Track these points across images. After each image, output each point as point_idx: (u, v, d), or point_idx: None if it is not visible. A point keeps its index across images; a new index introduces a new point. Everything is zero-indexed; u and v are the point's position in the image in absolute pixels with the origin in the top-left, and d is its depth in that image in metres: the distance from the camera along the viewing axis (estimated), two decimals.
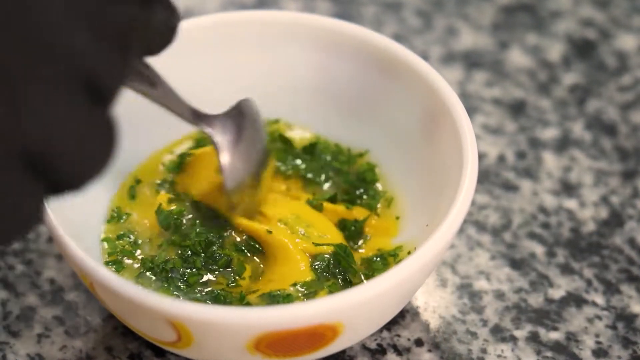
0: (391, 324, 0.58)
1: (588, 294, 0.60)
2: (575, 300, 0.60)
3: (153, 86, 0.51)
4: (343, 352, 0.56)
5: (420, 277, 0.51)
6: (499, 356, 0.57)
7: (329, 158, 0.61)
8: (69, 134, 0.38)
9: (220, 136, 0.54)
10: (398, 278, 0.48)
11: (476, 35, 0.75)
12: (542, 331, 0.58)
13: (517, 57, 0.74)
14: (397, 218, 0.59)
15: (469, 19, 0.77)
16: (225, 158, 0.54)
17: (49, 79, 0.37)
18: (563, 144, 0.68)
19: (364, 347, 0.57)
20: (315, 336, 0.49)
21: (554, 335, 0.58)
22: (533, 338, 0.58)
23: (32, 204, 0.38)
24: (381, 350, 0.57)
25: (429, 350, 0.57)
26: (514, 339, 0.58)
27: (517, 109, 0.70)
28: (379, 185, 0.60)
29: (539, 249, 0.62)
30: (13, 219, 0.38)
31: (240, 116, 0.55)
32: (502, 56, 0.74)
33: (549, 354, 0.57)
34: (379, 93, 0.60)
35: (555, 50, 0.75)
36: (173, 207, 0.56)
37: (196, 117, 0.54)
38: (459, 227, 0.51)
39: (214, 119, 0.54)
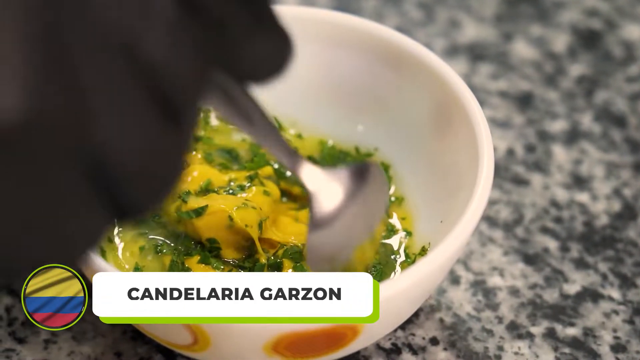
0: (405, 323, 0.58)
1: (604, 288, 0.60)
2: (591, 295, 0.60)
3: (250, 123, 0.44)
4: (357, 352, 0.57)
5: (440, 273, 0.51)
6: (516, 353, 0.57)
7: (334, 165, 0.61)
8: (141, 147, 0.34)
9: (319, 196, 0.48)
10: (419, 275, 0.48)
11: (479, 27, 0.76)
12: (558, 327, 0.58)
13: (522, 49, 0.74)
14: (404, 219, 0.59)
15: (471, 11, 0.77)
16: (312, 237, 0.49)
17: (121, 83, 0.33)
18: (572, 137, 0.68)
19: (378, 347, 0.57)
20: (335, 336, 0.49)
21: (571, 331, 0.58)
22: (550, 334, 0.58)
23: (94, 227, 0.35)
24: (396, 350, 0.57)
25: (445, 349, 0.57)
26: (530, 335, 0.58)
27: (524, 101, 0.71)
28: (392, 188, 0.60)
29: (552, 244, 0.62)
30: (73, 241, 0.34)
31: (354, 178, 0.49)
32: (506, 48, 0.74)
33: (566, 350, 0.57)
34: (387, 87, 0.60)
35: (560, 41, 0.75)
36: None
37: (296, 165, 0.48)
38: (478, 221, 0.51)
39: (319, 173, 0.49)
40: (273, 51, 0.40)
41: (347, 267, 0.50)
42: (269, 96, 0.62)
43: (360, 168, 0.49)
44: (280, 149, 0.47)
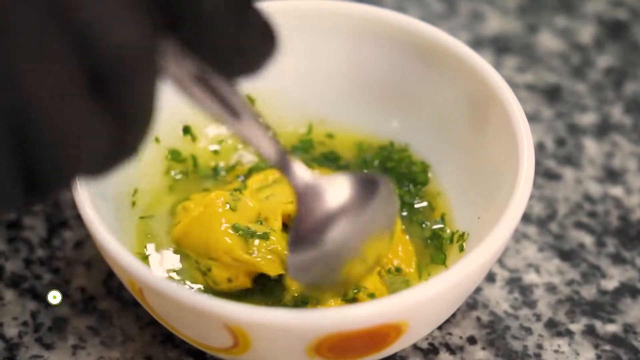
0: (442, 323, 0.58)
1: None
2: (629, 290, 0.60)
3: (237, 118, 0.42)
4: (394, 353, 0.56)
5: (481, 273, 0.51)
6: (556, 351, 0.57)
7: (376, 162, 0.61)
8: (59, 117, 0.33)
9: (306, 198, 0.46)
10: (461, 275, 0.48)
11: (503, 19, 0.75)
12: (598, 324, 0.58)
13: (547, 41, 0.74)
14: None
15: (494, 3, 0.77)
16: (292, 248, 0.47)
17: (48, 46, 0.32)
18: (603, 129, 0.68)
19: (415, 347, 0.57)
20: (379, 336, 0.48)
21: (611, 328, 0.58)
22: (589, 331, 0.58)
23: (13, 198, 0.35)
24: (433, 350, 0.57)
25: (483, 348, 0.57)
26: (570, 333, 0.58)
27: (552, 94, 0.70)
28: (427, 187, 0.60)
29: (587, 239, 0.62)
30: None
31: (354, 188, 0.47)
32: (531, 40, 0.74)
33: (607, 347, 0.57)
34: (420, 82, 0.60)
35: (586, 32, 0.75)
36: None
37: (285, 164, 0.46)
38: (518, 221, 0.51)
39: (310, 175, 0.47)
40: (253, 43, 0.39)
41: (333, 282, 0.49)
42: (300, 93, 0.62)
43: (365, 179, 0.47)
44: (268, 146, 0.44)
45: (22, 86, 0.33)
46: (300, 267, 0.47)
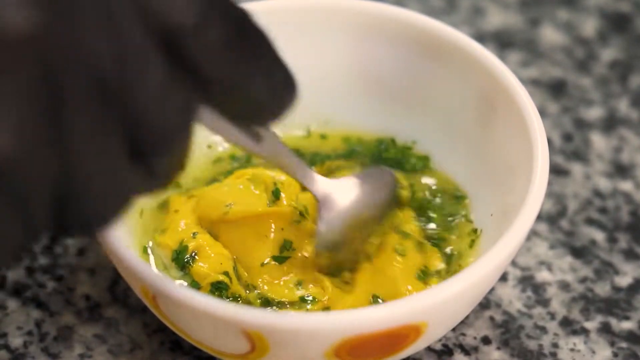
0: None
1: None
2: None
3: (258, 141, 0.49)
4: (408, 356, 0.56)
5: (497, 273, 0.51)
6: (571, 350, 0.57)
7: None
8: (101, 176, 0.38)
9: (326, 203, 0.53)
10: (486, 269, 0.48)
11: (504, 14, 0.76)
12: (613, 321, 0.58)
13: (550, 35, 0.74)
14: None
15: None
16: (322, 227, 0.53)
17: (101, 126, 0.37)
18: (610, 124, 0.68)
19: (429, 349, 0.57)
20: (399, 338, 0.48)
21: (627, 325, 0.58)
22: (605, 329, 0.58)
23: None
24: (447, 351, 0.57)
25: (498, 348, 0.57)
26: (585, 331, 0.58)
27: (557, 89, 0.70)
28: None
29: (599, 235, 0.62)
30: None
31: (362, 184, 0.54)
32: (534, 34, 0.74)
33: (623, 344, 0.57)
34: (426, 79, 0.60)
35: (589, 26, 0.75)
36: None
37: (307, 177, 0.53)
38: (534, 219, 0.51)
39: (327, 183, 0.54)
40: (272, 97, 0.43)
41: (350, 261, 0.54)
42: (303, 92, 0.61)
43: (369, 174, 0.55)
44: (291, 163, 0.52)
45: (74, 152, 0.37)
46: (327, 253, 0.54)
